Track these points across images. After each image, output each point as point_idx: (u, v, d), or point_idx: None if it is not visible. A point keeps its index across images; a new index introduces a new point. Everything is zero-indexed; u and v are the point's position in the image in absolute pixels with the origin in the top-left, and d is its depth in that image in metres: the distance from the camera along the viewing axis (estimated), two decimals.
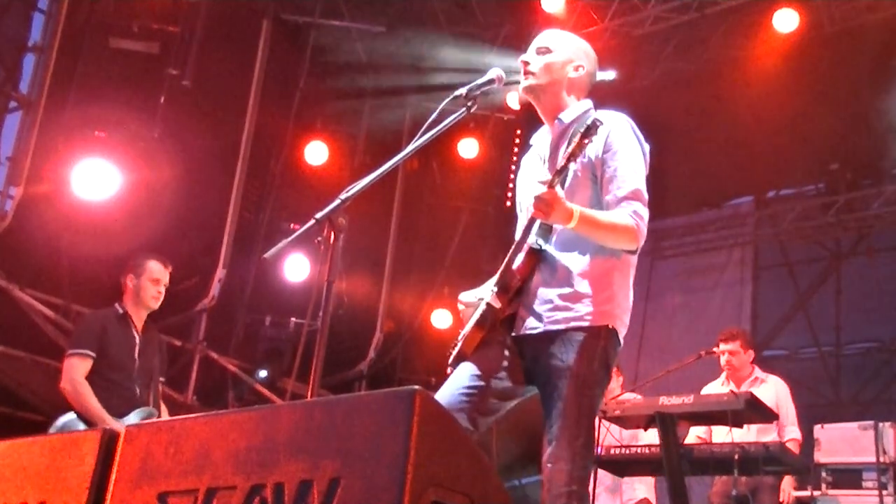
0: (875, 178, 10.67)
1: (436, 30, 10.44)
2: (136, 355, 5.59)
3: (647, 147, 3.52)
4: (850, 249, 11.24)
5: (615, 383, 7.38)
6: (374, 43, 10.67)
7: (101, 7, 8.40)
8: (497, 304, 3.36)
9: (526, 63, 3.54)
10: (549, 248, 3.43)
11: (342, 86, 10.70)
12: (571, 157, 3.24)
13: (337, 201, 3.12)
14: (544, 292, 3.38)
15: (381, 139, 10.53)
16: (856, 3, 9.29)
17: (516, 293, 3.41)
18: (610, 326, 3.33)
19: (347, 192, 3.15)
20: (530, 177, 3.62)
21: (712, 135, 10.38)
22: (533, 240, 3.45)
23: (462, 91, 3.38)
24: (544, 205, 3.20)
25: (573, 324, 3.30)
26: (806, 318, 11.18)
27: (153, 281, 5.72)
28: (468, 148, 10.64)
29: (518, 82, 3.55)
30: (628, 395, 6.94)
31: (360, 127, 10.81)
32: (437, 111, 3.33)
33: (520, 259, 3.42)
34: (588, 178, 3.41)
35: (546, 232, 3.45)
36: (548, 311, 3.35)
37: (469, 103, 3.39)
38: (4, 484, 2.57)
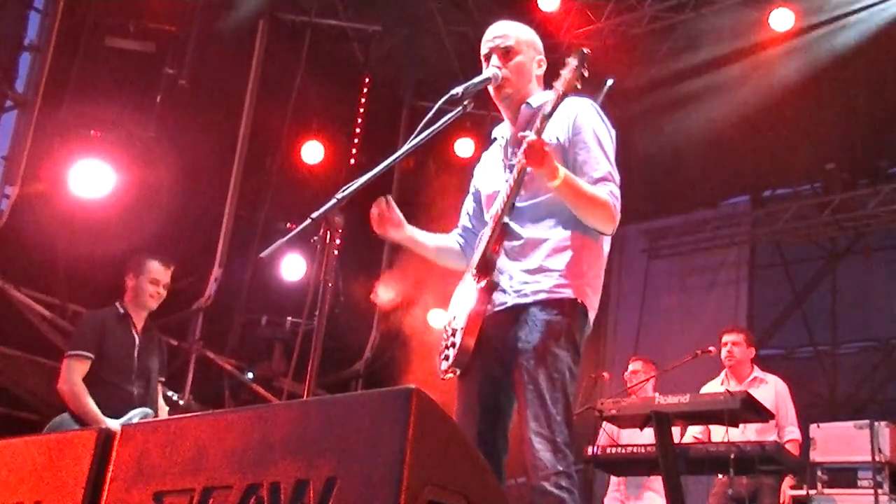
0: (871, 177, 10.68)
1: (432, 29, 10.44)
2: (136, 356, 5.57)
3: (613, 131, 3.52)
4: (846, 249, 11.26)
5: (642, 371, 7.39)
6: (371, 42, 10.67)
7: (98, 6, 8.39)
8: (495, 280, 3.36)
9: (500, 70, 3.50)
10: (515, 224, 3.42)
11: (338, 85, 10.69)
12: (547, 116, 3.26)
13: (333, 200, 3.12)
14: (511, 267, 3.38)
15: (377, 138, 10.52)
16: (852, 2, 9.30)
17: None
18: (578, 300, 3.31)
19: (343, 191, 3.15)
20: (492, 165, 3.65)
21: (708, 134, 10.38)
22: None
23: (458, 90, 3.37)
24: (535, 152, 3.19)
25: (542, 296, 3.29)
26: (802, 317, 11.18)
27: (153, 281, 5.68)
28: (465, 147, 10.64)
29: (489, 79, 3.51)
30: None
31: (356, 126, 10.80)
32: (434, 110, 3.33)
33: (493, 237, 3.40)
34: (558, 163, 3.39)
35: (511, 208, 3.44)
36: (514, 285, 3.35)
37: (465, 102, 3.39)
38: (0, 484, 2.56)
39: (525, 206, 3.43)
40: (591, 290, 3.39)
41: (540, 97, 3.56)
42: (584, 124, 3.43)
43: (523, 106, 3.56)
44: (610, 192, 3.33)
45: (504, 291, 3.35)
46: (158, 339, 5.85)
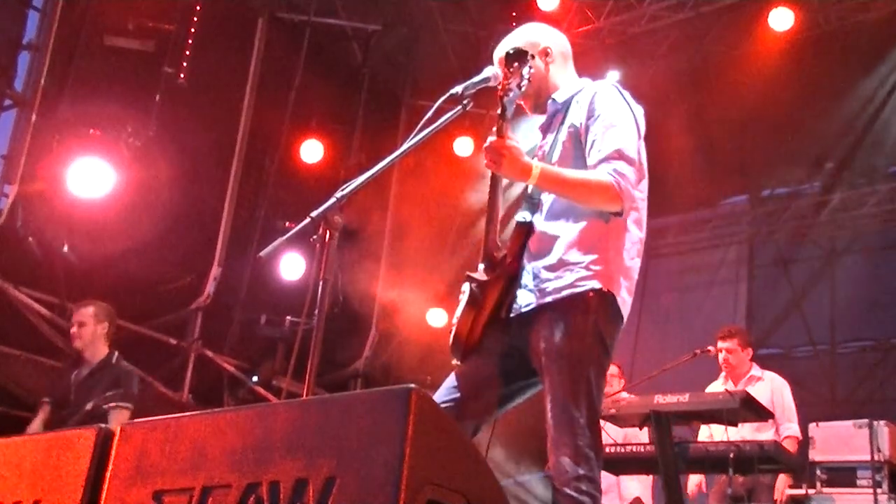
0: (870, 177, 10.70)
1: (431, 28, 10.44)
2: (72, 395, 6.06)
3: (638, 109, 3.45)
4: (845, 248, 11.27)
5: (616, 384, 7.36)
6: (370, 41, 10.67)
7: (97, 5, 8.38)
8: (483, 278, 3.32)
9: (507, 86, 3.35)
10: (537, 221, 3.38)
11: (337, 84, 10.69)
12: (505, 88, 3.24)
13: (332, 200, 3.11)
14: (533, 266, 3.31)
15: (376, 137, 10.53)
16: (850, 2, 9.30)
17: (504, 265, 3.35)
18: (604, 289, 3.20)
19: (343, 190, 3.14)
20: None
21: (708, 133, 10.39)
22: (520, 216, 3.42)
23: (458, 89, 3.36)
24: (494, 154, 3.17)
25: (565, 293, 3.21)
26: (801, 316, 11.19)
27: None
28: (464, 146, 10.64)
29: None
30: (622, 395, 6.94)
31: (355, 125, 10.80)
32: (433, 110, 3.32)
33: (507, 234, 3.38)
34: (574, 147, 3.37)
35: (533, 205, 3.41)
36: (537, 284, 3.27)
37: (465, 102, 3.37)
38: (0, 482, 2.56)
39: (545, 200, 3.38)
40: (622, 275, 3.29)
41: (566, 90, 3.53)
42: (597, 107, 3.36)
43: (549, 102, 3.53)
44: (613, 171, 3.22)
45: (530, 291, 3.29)
46: (116, 372, 6.15)
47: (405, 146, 3.35)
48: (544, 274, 3.28)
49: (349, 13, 10.38)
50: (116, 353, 6.24)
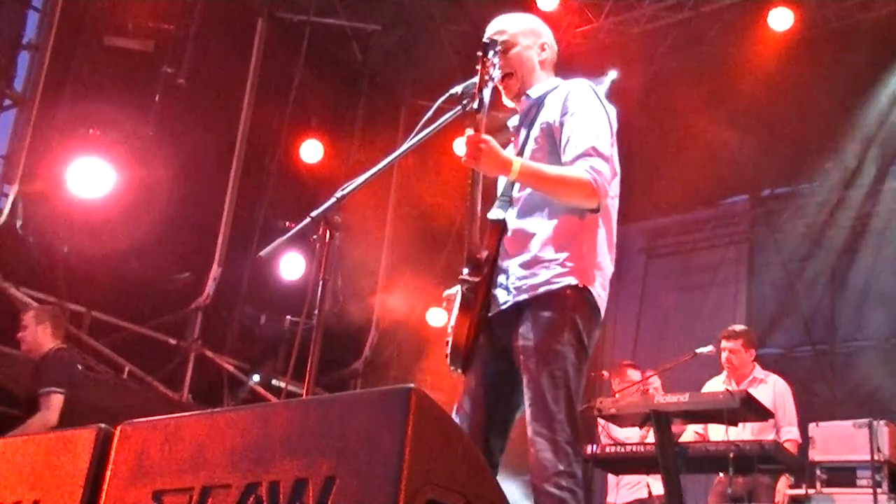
0: (871, 176, 10.69)
1: (431, 28, 10.44)
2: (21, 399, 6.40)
3: (611, 109, 3.44)
4: (845, 248, 11.25)
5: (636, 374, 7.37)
6: (370, 41, 10.67)
7: (96, 5, 8.39)
8: (473, 279, 3.32)
9: (484, 78, 3.33)
10: (510, 218, 3.38)
11: (337, 84, 10.69)
12: (482, 82, 3.24)
13: (332, 199, 3.12)
14: (508, 264, 3.32)
15: (376, 137, 10.52)
16: (850, 2, 9.30)
17: (488, 264, 3.34)
18: (580, 285, 3.21)
19: (343, 190, 3.15)
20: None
21: (707, 133, 10.38)
22: (494, 213, 3.42)
23: (457, 89, 3.37)
24: (472, 148, 3.17)
25: (542, 290, 3.22)
26: (801, 316, 11.17)
27: None
28: (464, 146, 10.64)
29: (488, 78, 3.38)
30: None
31: (355, 125, 10.80)
32: (433, 109, 3.33)
33: (483, 232, 3.38)
34: (547, 145, 3.37)
35: (505, 202, 3.41)
36: (513, 282, 3.28)
37: (464, 102, 3.37)
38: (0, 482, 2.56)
39: (520, 197, 3.39)
40: (596, 271, 3.29)
41: (542, 86, 3.54)
42: (571, 104, 3.36)
43: (523, 98, 3.55)
44: (590, 168, 3.21)
45: (506, 289, 3.30)
46: (46, 361, 6.32)
47: (405, 146, 3.36)
48: (520, 272, 3.29)
49: (349, 13, 10.38)
50: (55, 346, 6.39)
